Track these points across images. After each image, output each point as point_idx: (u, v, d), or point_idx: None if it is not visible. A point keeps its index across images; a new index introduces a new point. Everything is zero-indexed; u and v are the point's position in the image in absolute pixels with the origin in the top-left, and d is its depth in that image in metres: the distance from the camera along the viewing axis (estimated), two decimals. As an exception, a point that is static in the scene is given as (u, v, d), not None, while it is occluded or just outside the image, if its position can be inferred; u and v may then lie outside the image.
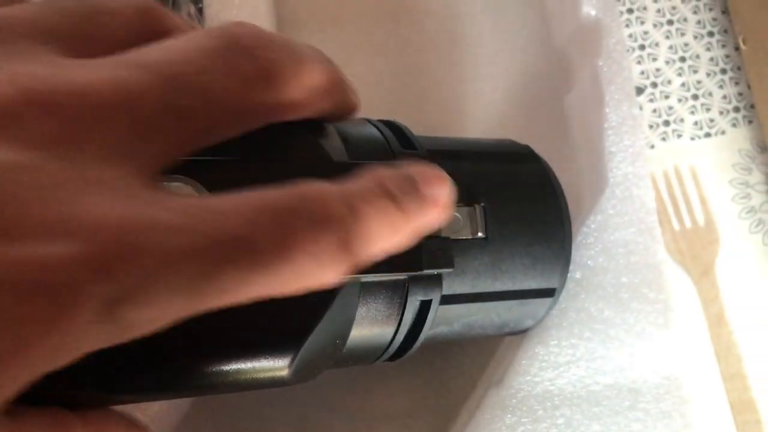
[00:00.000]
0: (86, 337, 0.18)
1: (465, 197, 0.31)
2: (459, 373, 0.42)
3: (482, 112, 0.46)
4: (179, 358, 0.24)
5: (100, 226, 0.17)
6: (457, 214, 0.31)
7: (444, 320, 0.32)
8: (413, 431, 0.41)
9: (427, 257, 0.29)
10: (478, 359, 0.42)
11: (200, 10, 0.42)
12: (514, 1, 0.48)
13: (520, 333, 0.38)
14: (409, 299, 0.29)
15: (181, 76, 0.21)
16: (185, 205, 0.19)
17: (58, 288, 0.17)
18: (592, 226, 0.39)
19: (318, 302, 0.26)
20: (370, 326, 0.29)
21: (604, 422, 0.37)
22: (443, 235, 0.30)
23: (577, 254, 0.38)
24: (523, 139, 0.40)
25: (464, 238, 0.31)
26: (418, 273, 0.29)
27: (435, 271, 0.29)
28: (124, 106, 0.20)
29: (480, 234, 0.31)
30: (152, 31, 0.23)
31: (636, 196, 0.39)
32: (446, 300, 0.31)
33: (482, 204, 0.31)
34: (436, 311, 0.31)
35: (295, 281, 0.20)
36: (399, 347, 0.32)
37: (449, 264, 0.30)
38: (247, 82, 0.22)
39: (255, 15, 0.42)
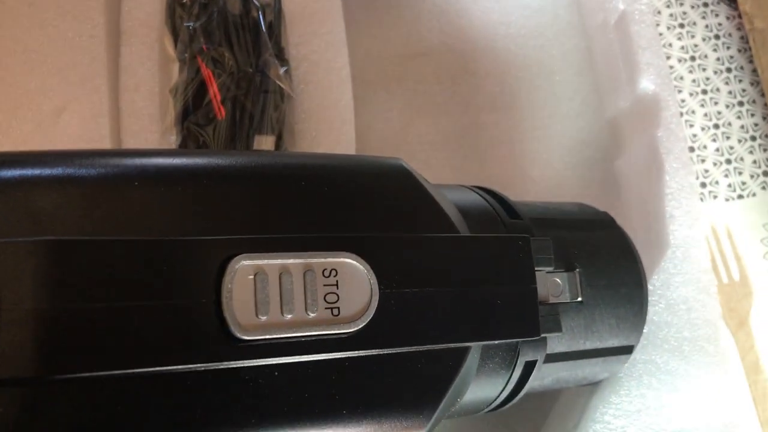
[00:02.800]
0: None
1: (564, 264, 0.33)
2: (524, 418, 0.44)
3: (539, 172, 0.49)
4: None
5: None
6: (558, 280, 0.33)
7: (539, 377, 0.33)
8: (482, 475, 0.43)
9: (542, 323, 0.30)
10: (540, 406, 0.44)
11: (287, 72, 0.44)
12: (567, 70, 0.51)
13: (594, 384, 0.40)
14: (518, 360, 0.31)
15: None
16: None
17: None
18: (657, 284, 0.41)
19: (452, 363, 0.27)
20: (483, 384, 0.31)
21: (675, 465, 0.39)
22: (550, 301, 0.32)
23: None
24: (577, 198, 0.43)
25: (564, 302, 0.33)
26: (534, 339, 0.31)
27: (544, 335, 0.31)
28: None
29: (579, 298, 0.33)
30: None
31: (694, 257, 0.42)
32: (546, 359, 0.32)
33: (578, 270, 0.33)
34: (539, 369, 0.32)
35: None
36: (501, 402, 0.33)
37: (558, 328, 0.31)
38: None
39: (338, 79, 0.44)
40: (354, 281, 0.25)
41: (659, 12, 0.51)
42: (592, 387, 0.40)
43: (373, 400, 0.26)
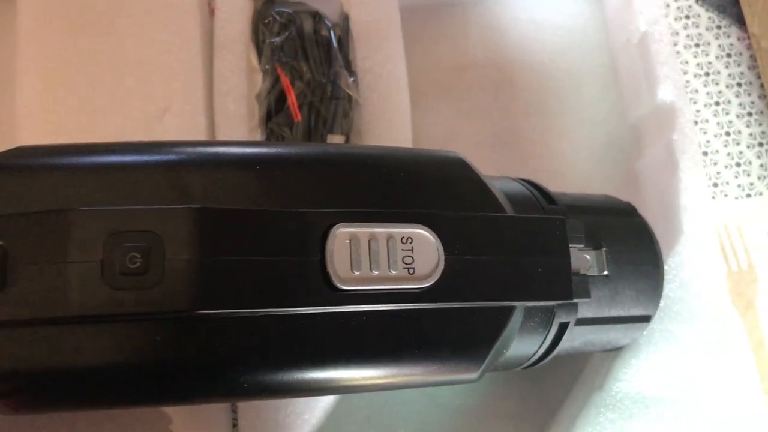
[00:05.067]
0: None
1: (593, 243, 0.37)
2: (556, 383, 0.48)
3: (569, 169, 0.52)
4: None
5: None
6: (587, 256, 0.37)
7: (570, 338, 0.37)
8: (521, 428, 0.47)
9: (574, 289, 0.34)
10: (570, 371, 0.48)
11: (355, 81, 0.48)
12: (595, 82, 0.55)
13: (616, 350, 0.45)
14: (554, 321, 0.35)
15: None
16: None
17: None
18: (672, 265, 0.45)
19: (500, 318, 0.32)
20: (525, 340, 0.35)
21: (682, 419, 0.42)
22: (582, 272, 0.36)
23: None
24: (602, 192, 0.47)
25: (592, 275, 0.37)
26: (567, 302, 0.35)
27: (576, 300, 0.35)
28: None
29: (605, 272, 0.38)
30: None
31: (705, 243, 0.45)
32: (576, 323, 0.37)
33: (605, 249, 0.37)
34: (571, 331, 0.37)
35: None
36: (538, 358, 0.38)
37: (587, 295, 0.35)
38: None
39: (397, 88, 0.48)
40: (425, 248, 0.30)
41: (677, 33, 0.55)
42: (615, 352, 0.44)
43: (440, 343, 0.30)
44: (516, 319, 0.33)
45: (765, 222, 0.53)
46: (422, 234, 0.30)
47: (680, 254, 0.45)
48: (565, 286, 0.34)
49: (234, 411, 0.43)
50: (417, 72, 0.53)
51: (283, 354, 0.28)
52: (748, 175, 0.54)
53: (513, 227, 0.33)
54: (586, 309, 0.37)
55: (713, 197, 0.53)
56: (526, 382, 0.48)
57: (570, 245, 0.34)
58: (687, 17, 0.56)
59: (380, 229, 0.29)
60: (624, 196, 0.45)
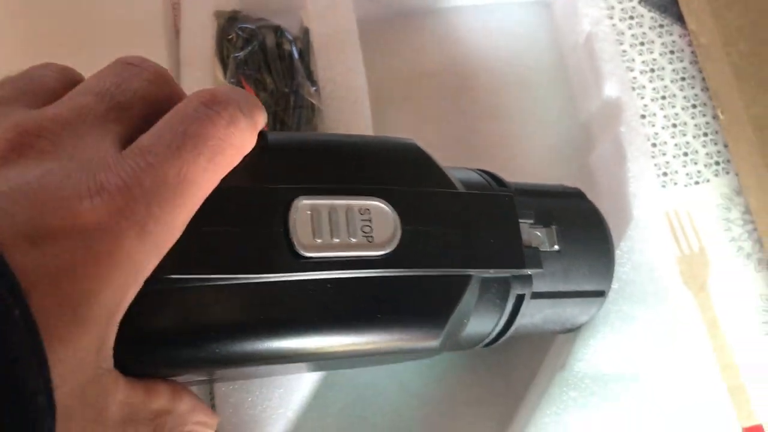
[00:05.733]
0: (140, 247, 0.24)
1: (544, 221, 0.39)
2: (522, 368, 0.49)
3: (524, 167, 0.54)
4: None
5: (113, 178, 0.24)
6: (538, 233, 0.39)
7: (528, 313, 0.39)
8: (489, 413, 0.48)
9: (526, 260, 0.36)
10: (534, 356, 0.49)
11: (317, 90, 0.49)
12: (548, 84, 0.57)
13: (575, 330, 0.46)
14: (510, 293, 0.37)
15: (107, 88, 0.28)
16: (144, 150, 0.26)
17: (106, 219, 0.23)
18: (624, 249, 0.47)
19: (458, 286, 0.33)
20: (483, 314, 0.36)
21: (640, 393, 0.44)
22: (533, 245, 0.38)
23: (615, 270, 0.46)
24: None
25: (544, 250, 0.39)
26: (520, 271, 0.36)
27: (529, 271, 0.37)
28: (82, 116, 0.26)
29: (556, 247, 0.39)
30: (73, 80, 0.30)
31: (654, 227, 0.48)
32: (532, 296, 0.38)
33: (555, 226, 0.39)
34: (527, 304, 0.38)
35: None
36: (498, 333, 0.39)
37: (539, 265, 0.37)
38: (150, 82, 0.29)
39: (357, 96, 0.49)
40: (382, 218, 0.32)
41: (623, 33, 0.58)
42: (575, 334, 0.46)
43: (400, 309, 0.32)
44: (473, 289, 0.34)
45: (713, 207, 0.55)
46: (379, 206, 0.32)
47: (631, 238, 0.47)
48: (517, 257, 0.36)
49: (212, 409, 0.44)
50: (377, 81, 0.55)
51: (250, 321, 0.29)
52: (696, 163, 0.56)
53: (464, 202, 0.35)
54: (541, 283, 0.38)
55: (663, 186, 0.55)
56: (493, 369, 0.49)
57: (520, 221, 0.37)
58: (631, 18, 0.58)
59: (340, 202, 0.31)
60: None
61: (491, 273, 0.35)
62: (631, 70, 0.57)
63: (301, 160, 0.32)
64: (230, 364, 0.29)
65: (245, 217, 0.29)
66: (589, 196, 0.45)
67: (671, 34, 0.58)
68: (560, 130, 0.56)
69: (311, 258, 0.30)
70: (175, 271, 0.27)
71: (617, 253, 0.47)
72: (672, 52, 0.58)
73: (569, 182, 0.48)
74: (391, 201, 0.32)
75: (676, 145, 0.56)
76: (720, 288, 0.54)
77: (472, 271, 0.34)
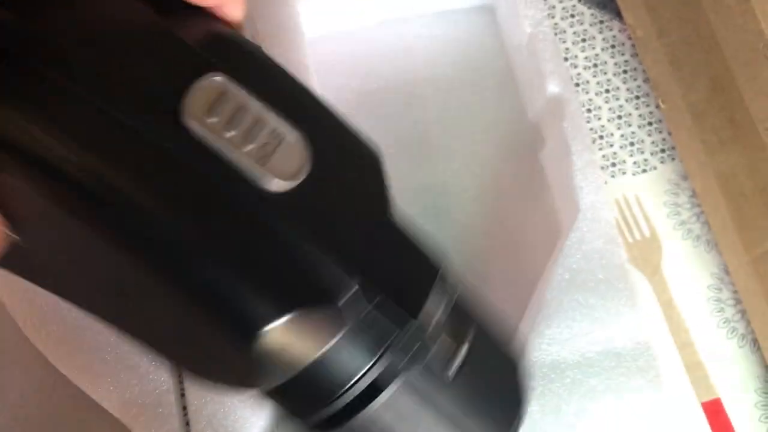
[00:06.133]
0: None
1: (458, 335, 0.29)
2: None
3: (479, 168, 0.55)
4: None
5: None
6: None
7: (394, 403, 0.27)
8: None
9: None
10: None
11: None
12: (495, 86, 0.59)
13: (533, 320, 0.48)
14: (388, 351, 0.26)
15: None
16: None
17: None
18: (573, 240, 0.48)
19: (330, 280, 0.25)
20: (351, 347, 0.26)
21: (598, 377, 0.45)
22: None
23: (566, 261, 0.47)
24: (512, 186, 0.51)
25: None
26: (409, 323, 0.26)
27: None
28: None
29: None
30: None
31: (601, 217, 0.49)
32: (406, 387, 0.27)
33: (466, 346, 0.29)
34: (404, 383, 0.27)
35: None
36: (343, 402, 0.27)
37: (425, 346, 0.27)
38: None
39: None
40: (292, 155, 0.25)
41: (564, 31, 0.59)
42: (530, 325, 0.47)
43: (229, 278, 0.24)
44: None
45: (662, 193, 0.57)
46: (298, 143, 0.25)
47: (580, 229, 0.49)
48: (416, 302, 0.27)
49: (187, 424, 0.46)
50: (330, 97, 0.55)
51: (131, 172, 0.23)
52: (642, 152, 0.58)
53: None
54: (424, 380, 0.28)
55: (612, 176, 0.57)
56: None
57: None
58: (572, 16, 0.60)
59: (257, 104, 0.25)
60: (533, 189, 0.48)
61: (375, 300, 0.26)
62: (575, 67, 0.59)
63: (254, 56, 0.27)
64: None
65: (159, 63, 0.25)
66: (541, 192, 0.46)
67: (611, 29, 0.60)
68: (511, 130, 0.58)
69: (192, 132, 0.24)
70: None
71: (567, 244, 0.48)
72: (613, 47, 0.60)
73: (521, 180, 0.50)
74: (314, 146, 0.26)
75: (622, 135, 0.58)
76: (673, 270, 0.56)
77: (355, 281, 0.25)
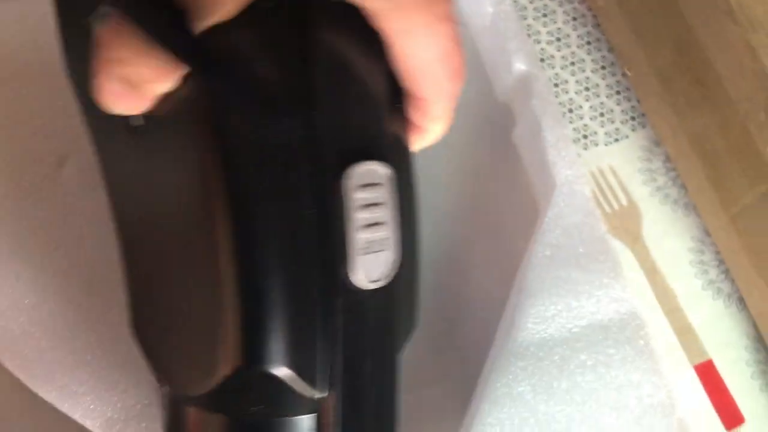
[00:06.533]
0: None
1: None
2: (472, 344, 0.49)
3: (452, 153, 0.55)
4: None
5: None
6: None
7: None
8: (451, 392, 0.50)
9: None
10: (486, 331, 0.49)
11: None
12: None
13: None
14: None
15: None
16: None
17: None
18: (552, 216, 0.47)
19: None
20: None
21: (587, 352, 0.45)
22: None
23: (545, 237, 0.47)
24: (486, 168, 0.50)
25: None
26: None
27: None
28: None
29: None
30: None
31: (577, 191, 0.48)
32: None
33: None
34: None
35: None
36: None
37: None
38: None
39: None
40: (383, 266, 0.28)
41: (525, 8, 0.59)
42: (514, 305, 0.47)
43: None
44: None
45: (636, 160, 0.57)
46: None
47: (558, 205, 0.48)
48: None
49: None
50: None
51: None
52: (612, 122, 0.57)
53: None
54: None
55: (585, 148, 0.56)
56: (448, 352, 0.50)
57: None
58: (532, -9, 0.59)
59: (391, 210, 0.28)
60: (506, 167, 0.48)
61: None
62: (538, 42, 0.58)
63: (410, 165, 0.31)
64: None
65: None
66: (516, 171, 0.46)
67: (572, 2, 0.60)
68: (481, 112, 0.57)
69: (342, 186, 0.26)
70: None
71: (546, 221, 0.48)
72: (575, 19, 0.59)
73: (496, 161, 0.49)
74: None
75: (591, 107, 0.57)
76: (654, 237, 0.56)
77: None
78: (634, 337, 0.46)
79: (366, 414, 0.29)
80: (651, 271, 0.55)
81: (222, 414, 0.28)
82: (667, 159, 0.56)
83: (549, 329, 0.46)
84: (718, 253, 0.55)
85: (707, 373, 0.53)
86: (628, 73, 0.56)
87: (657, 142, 0.57)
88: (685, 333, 0.54)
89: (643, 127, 0.57)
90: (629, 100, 0.57)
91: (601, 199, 0.56)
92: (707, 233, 0.55)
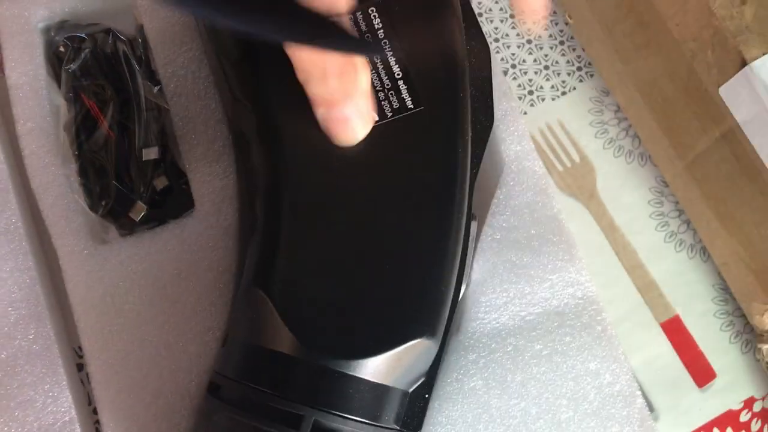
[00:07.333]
0: None
1: None
2: None
3: None
4: None
5: None
6: None
7: None
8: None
9: None
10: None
11: (161, 89, 0.46)
12: None
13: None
14: None
15: None
16: None
17: None
18: (501, 197, 0.44)
19: None
20: None
21: (542, 341, 0.43)
22: None
23: (494, 220, 0.44)
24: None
25: None
26: None
27: None
28: None
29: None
30: None
31: (527, 167, 0.45)
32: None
33: None
34: None
35: None
36: None
37: None
38: None
39: (205, 87, 0.46)
40: None
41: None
42: (464, 294, 0.44)
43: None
44: None
45: (585, 113, 0.53)
46: None
47: (507, 184, 0.45)
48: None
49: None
50: None
51: None
52: (558, 74, 0.54)
53: None
54: None
55: (531, 104, 0.53)
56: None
57: None
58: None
59: None
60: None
61: None
62: (491, 21, 0.54)
63: None
64: None
65: None
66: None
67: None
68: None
69: None
70: None
71: (494, 202, 0.44)
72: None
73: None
74: None
75: (535, 60, 0.53)
76: (609, 191, 0.53)
77: None
78: (591, 323, 0.43)
79: None
80: (609, 228, 0.52)
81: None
82: (618, 109, 0.53)
83: (501, 318, 0.43)
84: (677, 203, 0.52)
85: (675, 330, 0.51)
86: (570, 21, 0.52)
87: (606, 92, 0.53)
88: (649, 290, 0.51)
89: (591, 77, 0.53)
90: (574, 49, 0.54)
91: (552, 156, 0.53)
92: (665, 183, 0.52)
